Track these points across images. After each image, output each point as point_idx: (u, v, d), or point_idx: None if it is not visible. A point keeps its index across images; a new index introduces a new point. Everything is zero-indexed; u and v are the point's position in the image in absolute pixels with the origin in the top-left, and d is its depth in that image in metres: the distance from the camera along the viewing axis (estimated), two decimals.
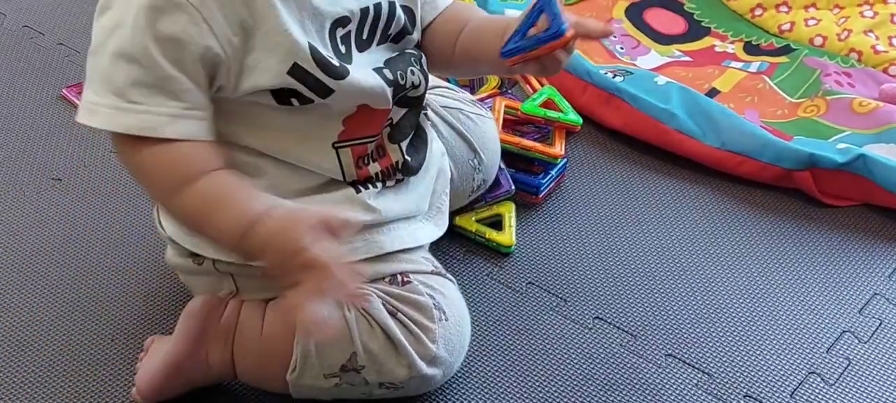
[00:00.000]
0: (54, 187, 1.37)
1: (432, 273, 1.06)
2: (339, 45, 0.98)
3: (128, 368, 1.09)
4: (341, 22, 0.98)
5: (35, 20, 1.77)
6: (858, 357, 1.14)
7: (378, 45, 1.03)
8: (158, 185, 0.94)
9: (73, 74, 1.62)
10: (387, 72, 1.02)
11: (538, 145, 1.37)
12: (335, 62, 0.96)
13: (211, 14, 0.89)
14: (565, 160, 1.38)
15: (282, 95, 0.95)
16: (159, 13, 0.88)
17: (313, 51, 0.94)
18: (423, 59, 1.08)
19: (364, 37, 1.01)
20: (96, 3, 0.95)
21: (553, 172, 1.35)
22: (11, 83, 1.60)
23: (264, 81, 0.93)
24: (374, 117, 1.02)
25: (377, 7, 1.01)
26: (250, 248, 0.88)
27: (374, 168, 1.03)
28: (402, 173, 1.06)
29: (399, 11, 1.04)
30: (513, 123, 1.42)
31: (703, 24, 1.77)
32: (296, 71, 0.94)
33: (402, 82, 1.03)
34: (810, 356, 1.13)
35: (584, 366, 1.11)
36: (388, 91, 1.01)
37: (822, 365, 1.12)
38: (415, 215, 1.08)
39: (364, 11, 1.00)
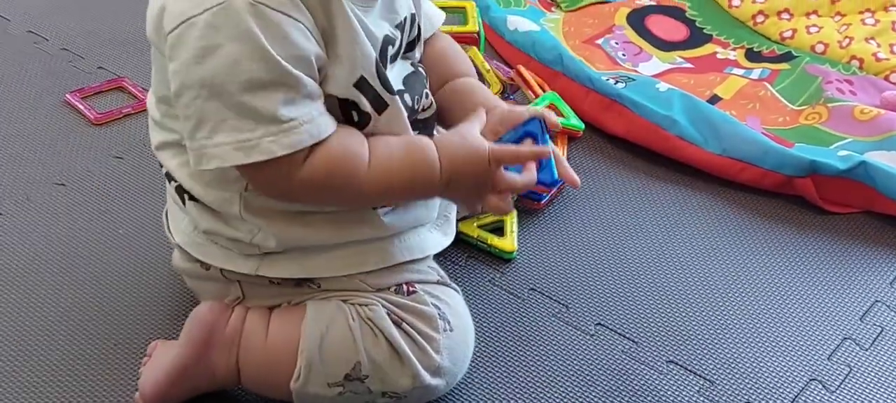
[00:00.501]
0: (58, 192, 1.37)
1: (438, 283, 1.06)
2: (388, 62, 1.00)
3: (131, 372, 1.09)
4: (389, 41, 0.99)
5: (39, 25, 1.77)
6: (859, 364, 1.14)
7: (400, 56, 1.04)
8: (336, 197, 0.97)
9: (76, 79, 1.62)
10: (407, 96, 1.02)
11: None
12: (389, 79, 0.98)
13: (310, 24, 0.91)
14: None
15: (345, 106, 0.96)
16: (275, 37, 0.88)
17: (378, 64, 0.96)
18: (428, 79, 1.08)
19: (397, 51, 1.03)
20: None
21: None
22: (15, 88, 1.60)
23: (335, 90, 0.94)
24: None
25: (405, 19, 1.03)
26: (446, 189, 0.99)
27: None
28: None
29: (416, 22, 1.06)
30: None
31: (704, 30, 1.77)
32: (361, 84, 0.95)
33: (416, 108, 1.04)
34: (811, 363, 1.14)
35: (586, 372, 1.11)
36: (406, 119, 1.02)
37: (824, 372, 1.13)
38: (423, 224, 1.09)
39: (400, 27, 1.01)
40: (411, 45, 1.06)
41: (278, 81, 0.89)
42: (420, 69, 1.07)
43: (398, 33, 1.01)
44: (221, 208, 1.00)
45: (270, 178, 0.93)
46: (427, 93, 1.06)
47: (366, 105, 0.96)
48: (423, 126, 1.07)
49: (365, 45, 0.94)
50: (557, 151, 1.06)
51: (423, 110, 1.06)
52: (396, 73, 1.03)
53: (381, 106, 0.97)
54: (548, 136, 1.04)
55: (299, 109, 0.90)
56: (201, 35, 0.88)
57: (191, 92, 0.90)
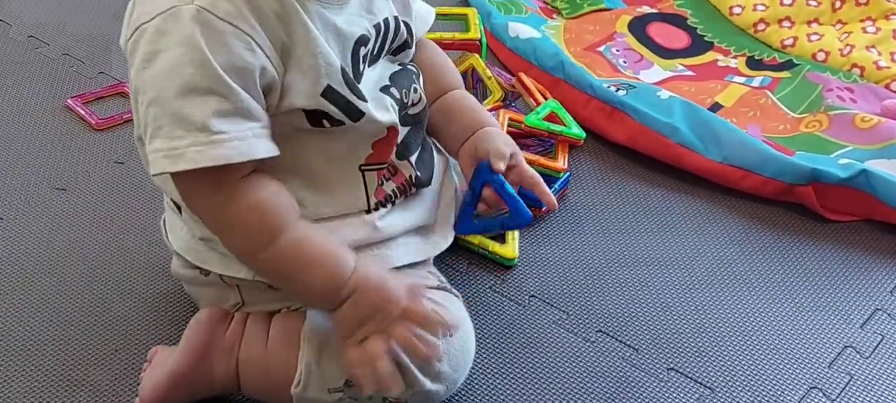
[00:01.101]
0: (59, 197, 1.37)
1: (438, 288, 1.06)
2: (360, 63, 0.99)
3: (131, 378, 1.09)
4: (362, 41, 0.99)
5: (40, 30, 1.78)
6: (860, 372, 1.14)
7: (383, 57, 1.05)
8: (245, 238, 0.94)
9: (77, 84, 1.62)
10: (394, 90, 1.03)
11: (541, 158, 1.37)
12: (359, 86, 0.97)
13: (260, 37, 0.90)
14: (568, 174, 1.39)
15: (314, 117, 0.95)
16: (217, 45, 0.88)
17: (344, 73, 0.95)
18: (421, 77, 1.09)
19: (374, 52, 1.02)
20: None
21: (556, 186, 1.36)
22: (16, 93, 1.61)
23: (299, 102, 0.94)
24: (391, 139, 1.03)
25: (386, 22, 1.02)
26: (339, 306, 0.94)
27: (389, 186, 1.04)
28: (415, 187, 1.07)
29: (401, 26, 1.05)
30: (516, 136, 1.42)
31: (705, 38, 1.77)
32: (329, 93, 0.95)
33: (405, 101, 1.04)
34: (812, 371, 1.14)
35: (587, 380, 1.11)
36: (396, 114, 1.02)
37: (824, 380, 1.13)
38: (421, 227, 1.09)
39: (377, 28, 1.01)
40: (401, 48, 1.07)
41: (212, 89, 0.88)
42: (409, 66, 1.08)
43: (374, 33, 1.01)
44: None
45: (201, 195, 0.92)
46: (416, 88, 1.06)
47: (337, 113, 0.96)
48: (414, 121, 1.07)
49: (328, 55, 0.94)
50: (537, 177, 1.11)
51: (414, 105, 1.06)
52: (379, 73, 1.03)
53: (354, 114, 0.97)
54: (500, 178, 1.10)
55: (232, 124, 0.89)
56: (149, 40, 0.89)
57: (139, 97, 0.91)
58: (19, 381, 1.09)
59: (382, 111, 1.00)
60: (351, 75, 0.97)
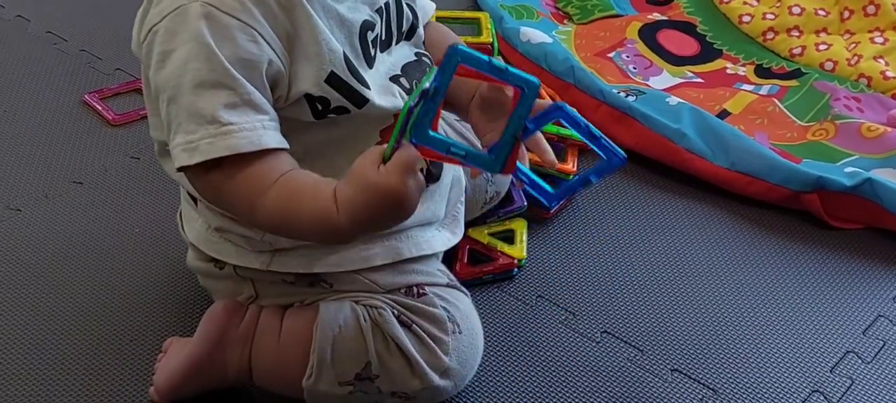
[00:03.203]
0: (75, 190, 1.39)
1: (447, 286, 1.08)
2: (371, 48, 1.01)
3: (146, 368, 1.11)
4: (368, 26, 1.00)
5: (58, 26, 1.80)
6: (861, 376, 1.15)
7: (396, 42, 1.06)
8: (241, 199, 0.93)
9: (94, 80, 1.64)
10: (404, 80, 1.04)
11: None
12: (362, 73, 0.99)
13: (264, 30, 0.92)
14: (577, 177, 1.40)
15: (318, 110, 0.97)
16: (222, 38, 0.90)
17: (347, 59, 0.97)
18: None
19: (384, 37, 1.04)
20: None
21: (564, 188, 1.36)
22: (34, 88, 1.63)
23: (306, 88, 0.95)
24: None
25: (387, 6, 1.04)
26: (348, 222, 0.88)
27: None
28: (426, 180, 1.08)
29: (404, 7, 1.07)
30: None
31: (715, 46, 1.78)
32: (332, 79, 0.96)
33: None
34: (814, 375, 1.15)
35: (592, 379, 1.13)
36: (403, 102, 1.03)
37: (826, 384, 1.14)
38: (431, 222, 1.10)
39: (379, 12, 1.03)
40: (411, 32, 1.08)
41: (220, 81, 0.90)
42: (424, 59, 1.09)
43: (378, 17, 1.03)
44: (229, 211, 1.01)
45: (206, 179, 0.93)
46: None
47: (340, 100, 0.97)
48: None
49: (330, 41, 0.96)
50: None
51: None
52: (393, 61, 1.05)
53: (358, 101, 0.98)
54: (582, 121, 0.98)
55: (240, 116, 0.91)
56: (161, 41, 0.92)
57: (160, 97, 0.93)
58: (36, 369, 1.11)
59: (388, 97, 1.02)
60: (363, 60, 0.99)
